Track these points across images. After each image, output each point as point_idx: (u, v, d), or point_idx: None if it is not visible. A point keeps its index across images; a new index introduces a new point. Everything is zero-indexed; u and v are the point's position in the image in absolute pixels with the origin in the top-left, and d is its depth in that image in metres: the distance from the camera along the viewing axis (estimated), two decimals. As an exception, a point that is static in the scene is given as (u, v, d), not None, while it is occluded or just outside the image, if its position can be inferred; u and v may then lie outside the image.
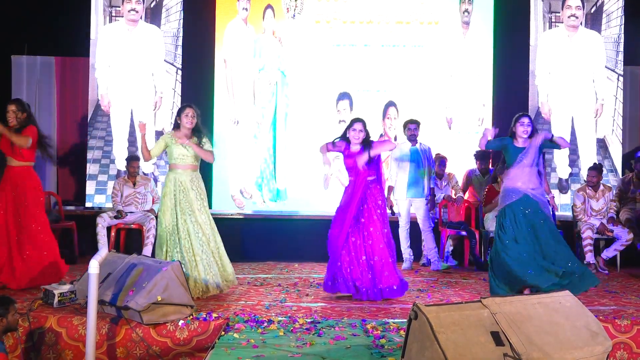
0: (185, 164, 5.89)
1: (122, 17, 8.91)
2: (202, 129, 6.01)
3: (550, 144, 5.87)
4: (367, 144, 5.90)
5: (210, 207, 6.33)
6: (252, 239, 8.40)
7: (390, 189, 7.56)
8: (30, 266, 5.95)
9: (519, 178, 5.73)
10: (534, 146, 5.72)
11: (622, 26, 8.88)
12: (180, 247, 5.73)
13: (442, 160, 8.27)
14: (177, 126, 5.95)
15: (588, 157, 8.80)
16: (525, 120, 5.79)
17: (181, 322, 4.77)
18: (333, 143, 6.02)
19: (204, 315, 4.89)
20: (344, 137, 5.98)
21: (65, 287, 5.23)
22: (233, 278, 6.01)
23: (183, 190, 5.82)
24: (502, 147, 5.85)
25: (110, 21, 8.93)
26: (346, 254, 5.81)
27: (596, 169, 7.88)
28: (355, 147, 5.92)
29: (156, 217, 7.85)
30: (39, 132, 6.16)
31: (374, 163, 5.95)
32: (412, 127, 7.54)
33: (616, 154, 8.86)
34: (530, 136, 5.77)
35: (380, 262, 5.78)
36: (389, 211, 7.65)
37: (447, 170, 8.40)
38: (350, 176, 6.01)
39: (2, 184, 6.09)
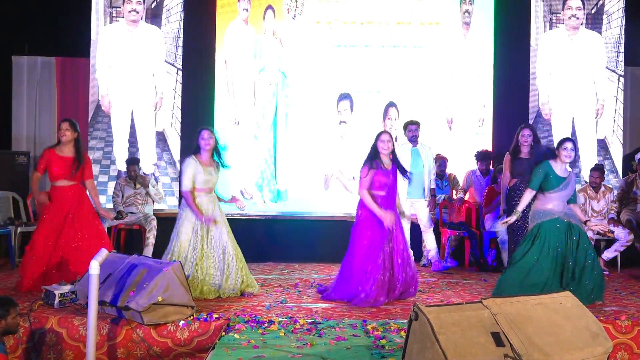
0: (207, 188, 5.97)
1: (123, 17, 8.91)
2: (220, 151, 6.08)
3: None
4: (394, 156, 5.95)
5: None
6: (253, 239, 8.38)
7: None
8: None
9: (555, 203, 5.70)
10: (572, 181, 5.75)
11: (623, 27, 8.89)
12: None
13: (442, 161, 8.28)
14: (197, 149, 5.99)
15: (589, 157, 8.80)
16: (569, 145, 5.71)
17: (182, 322, 4.77)
18: (371, 166, 5.86)
19: (205, 316, 4.89)
20: (374, 155, 5.89)
21: (66, 288, 5.23)
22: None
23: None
24: (545, 175, 5.71)
25: (111, 22, 8.93)
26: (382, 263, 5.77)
27: (599, 170, 7.88)
28: (387, 162, 5.89)
29: (157, 217, 7.90)
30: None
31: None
32: (412, 128, 7.54)
33: (617, 154, 8.86)
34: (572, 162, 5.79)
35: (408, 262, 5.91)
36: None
37: (448, 171, 8.41)
38: (381, 191, 5.90)
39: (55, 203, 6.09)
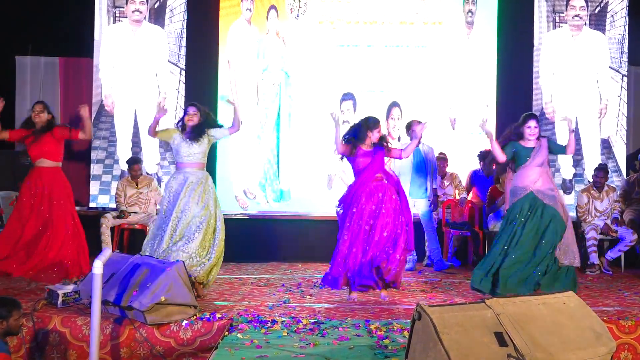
0: (193, 162, 5.86)
1: (126, 17, 8.92)
2: (208, 122, 5.96)
3: (556, 145, 5.94)
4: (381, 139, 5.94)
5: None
6: (256, 239, 8.40)
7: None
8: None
9: (527, 177, 5.75)
10: (544, 146, 5.77)
11: (627, 26, 8.86)
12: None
13: (442, 160, 8.27)
14: (183, 127, 5.95)
15: (592, 157, 8.78)
16: (533, 123, 5.81)
17: (185, 322, 4.78)
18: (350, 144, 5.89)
19: (208, 316, 4.89)
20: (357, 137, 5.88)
21: (69, 287, 5.24)
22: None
23: (189, 187, 5.77)
24: (514, 151, 5.84)
25: (114, 22, 8.94)
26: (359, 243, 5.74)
27: (602, 170, 7.87)
28: (368, 143, 5.87)
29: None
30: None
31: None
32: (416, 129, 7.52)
33: (620, 154, 8.84)
34: (537, 138, 5.80)
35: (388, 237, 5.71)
36: None
37: (451, 170, 8.40)
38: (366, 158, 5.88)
39: (31, 184, 6.14)
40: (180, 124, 6.00)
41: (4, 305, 4.15)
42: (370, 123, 5.89)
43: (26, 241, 6.03)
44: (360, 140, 5.85)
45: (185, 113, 5.96)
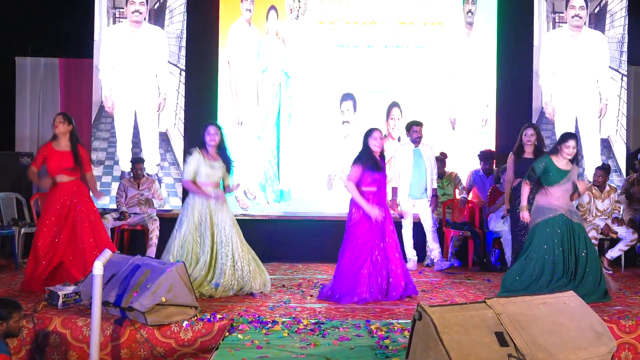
0: (210, 182, 5.98)
1: (126, 18, 8.92)
2: (226, 147, 6.10)
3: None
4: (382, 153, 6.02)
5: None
6: (256, 240, 8.33)
7: (395, 190, 7.54)
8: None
9: (557, 197, 5.75)
10: (575, 173, 5.78)
11: (626, 26, 8.86)
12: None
13: (442, 160, 8.27)
14: (202, 144, 5.98)
15: (592, 157, 8.78)
16: (572, 142, 5.74)
17: (185, 323, 4.77)
18: (364, 166, 5.90)
19: (208, 316, 4.89)
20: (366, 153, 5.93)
21: (70, 288, 5.24)
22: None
23: (208, 209, 5.91)
24: (545, 169, 5.78)
25: (114, 22, 8.94)
26: (371, 266, 5.82)
27: (604, 169, 7.86)
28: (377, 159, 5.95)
29: (160, 218, 7.90)
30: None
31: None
32: (417, 129, 7.53)
33: (620, 154, 8.83)
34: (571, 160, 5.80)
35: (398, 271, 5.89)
36: (395, 213, 7.68)
37: (451, 170, 8.39)
38: (372, 187, 5.91)
39: (55, 200, 6.06)
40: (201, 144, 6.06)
41: (5, 306, 4.15)
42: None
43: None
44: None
45: (207, 132, 5.99)
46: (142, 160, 8.18)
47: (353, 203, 5.92)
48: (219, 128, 6.03)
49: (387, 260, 5.86)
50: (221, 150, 6.06)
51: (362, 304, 5.65)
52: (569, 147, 5.72)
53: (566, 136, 5.81)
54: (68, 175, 6.08)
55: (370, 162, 5.87)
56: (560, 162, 5.76)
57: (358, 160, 5.91)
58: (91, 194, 6.25)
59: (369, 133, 5.94)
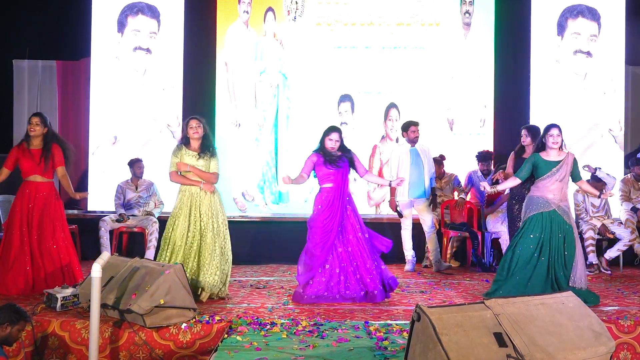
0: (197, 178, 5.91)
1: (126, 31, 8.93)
2: (211, 141, 6.01)
3: (576, 169, 5.85)
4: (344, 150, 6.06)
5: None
6: (255, 241, 8.38)
7: (393, 190, 7.54)
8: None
9: (551, 189, 5.72)
10: (569, 162, 5.73)
11: (625, 26, 8.86)
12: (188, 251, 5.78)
13: (440, 160, 8.27)
14: (186, 140, 5.93)
15: (591, 157, 8.76)
16: (555, 131, 5.72)
17: (184, 325, 4.77)
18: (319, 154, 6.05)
19: (207, 318, 4.89)
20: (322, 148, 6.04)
21: (68, 291, 5.23)
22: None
23: (198, 201, 5.84)
24: (533, 166, 5.77)
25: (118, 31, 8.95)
26: (335, 264, 5.85)
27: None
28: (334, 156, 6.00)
29: (159, 220, 7.89)
30: (61, 145, 6.18)
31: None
32: (415, 130, 7.52)
33: (619, 154, 8.83)
34: (560, 147, 5.76)
35: (363, 268, 5.83)
36: (394, 213, 7.68)
37: (449, 171, 8.39)
38: (328, 183, 6.04)
39: (23, 199, 6.05)
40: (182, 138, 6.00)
41: (16, 312, 4.22)
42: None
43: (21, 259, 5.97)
44: None
45: (188, 126, 5.90)
46: (140, 160, 8.17)
47: (317, 198, 6.08)
48: (200, 121, 5.89)
49: (351, 256, 5.84)
50: (206, 142, 5.94)
51: (321, 295, 5.72)
52: (553, 135, 5.70)
53: (548, 126, 5.80)
54: (42, 176, 6.05)
55: (328, 156, 5.97)
56: (549, 155, 5.74)
57: (318, 150, 6.04)
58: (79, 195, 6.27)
59: (327, 132, 6.03)
